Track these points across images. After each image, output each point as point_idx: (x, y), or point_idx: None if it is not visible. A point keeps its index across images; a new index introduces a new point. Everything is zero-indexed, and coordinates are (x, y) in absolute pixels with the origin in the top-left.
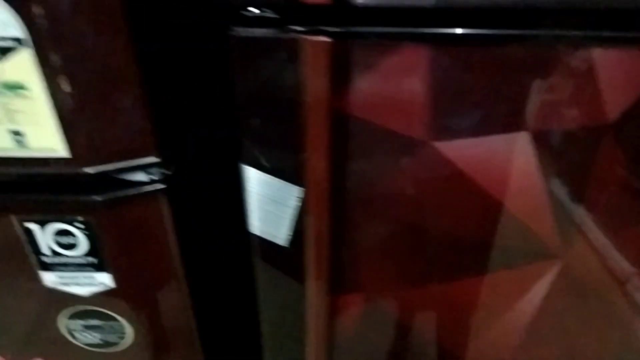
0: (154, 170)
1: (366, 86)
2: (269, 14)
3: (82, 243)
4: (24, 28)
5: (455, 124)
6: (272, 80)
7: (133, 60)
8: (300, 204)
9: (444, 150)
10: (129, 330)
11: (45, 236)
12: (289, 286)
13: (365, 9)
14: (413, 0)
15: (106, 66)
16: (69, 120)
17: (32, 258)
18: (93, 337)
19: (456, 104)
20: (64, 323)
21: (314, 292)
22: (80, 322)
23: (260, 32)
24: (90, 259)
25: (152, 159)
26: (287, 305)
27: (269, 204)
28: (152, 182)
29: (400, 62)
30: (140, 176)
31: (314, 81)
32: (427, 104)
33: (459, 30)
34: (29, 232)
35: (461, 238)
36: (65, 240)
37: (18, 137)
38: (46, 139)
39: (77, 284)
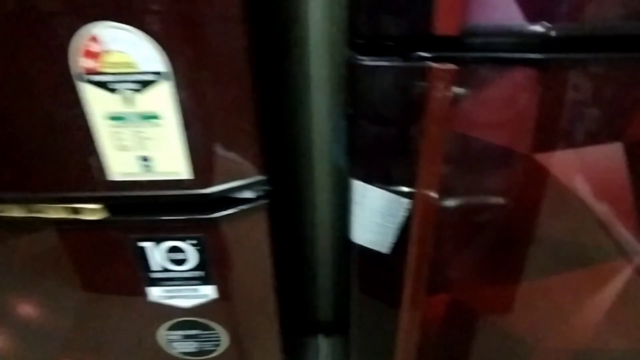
0: (258, 187)
1: (477, 106)
2: (392, 44)
3: (192, 258)
4: (168, 63)
5: (555, 138)
6: (392, 102)
7: (255, 91)
8: (407, 215)
9: (543, 161)
10: (224, 338)
11: (157, 254)
12: (386, 292)
13: (484, 35)
14: (529, 27)
15: (232, 95)
16: (194, 146)
17: (142, 274)
18: (189, 346)
19: (558, 120)
20: (164, 334)
21: (410, 293)
22: (179, 332)
23: (387, 61)
24: (198, 273)
25: (259, 177)
26: (381, 310)
27: (376, 215)
28: (258, 198)
29: (510, 83)
30: (248, 194)
31: (435, 104)
32: (532, 121)
33: (570, 55)
34: (141, 250)
35: (548, 240)
36: (175, 256)
37: (146, 163)
38: (172, 163)
39: (182, 297)
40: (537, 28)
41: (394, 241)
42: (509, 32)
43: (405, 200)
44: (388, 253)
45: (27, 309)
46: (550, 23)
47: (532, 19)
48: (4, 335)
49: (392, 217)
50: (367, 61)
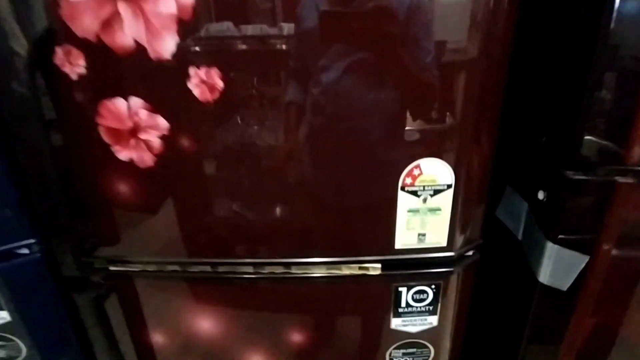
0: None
1: None
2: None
3: (429, 297)
4: (454, 178)
5: None
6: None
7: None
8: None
9: None
10: (432, 354)
11: (408, 295)
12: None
13: None
14: None
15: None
16: (453, 224)
17: (393, 310)
18: None
19: None
20: (390, 353)
21: (581, 314)
22: (401, 351)
23: (593, 176)
24: (429, 307)
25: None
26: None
27: (564, 266)
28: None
29: None
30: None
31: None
32: None
33: None
34: (398, 293)
35: None
36: (419, 296)
37: (421, 237)
38: (437, 236)
39: (413, 325)
40: None
41: (572, 281)
42: None
43: (586, 257)
44: (565, 290)
45: None
46: None
47: None
48: None
49: (575, 266)
50: (573, 175)
